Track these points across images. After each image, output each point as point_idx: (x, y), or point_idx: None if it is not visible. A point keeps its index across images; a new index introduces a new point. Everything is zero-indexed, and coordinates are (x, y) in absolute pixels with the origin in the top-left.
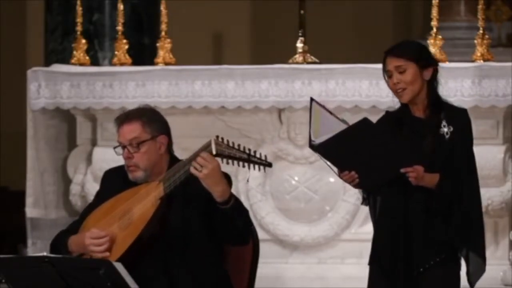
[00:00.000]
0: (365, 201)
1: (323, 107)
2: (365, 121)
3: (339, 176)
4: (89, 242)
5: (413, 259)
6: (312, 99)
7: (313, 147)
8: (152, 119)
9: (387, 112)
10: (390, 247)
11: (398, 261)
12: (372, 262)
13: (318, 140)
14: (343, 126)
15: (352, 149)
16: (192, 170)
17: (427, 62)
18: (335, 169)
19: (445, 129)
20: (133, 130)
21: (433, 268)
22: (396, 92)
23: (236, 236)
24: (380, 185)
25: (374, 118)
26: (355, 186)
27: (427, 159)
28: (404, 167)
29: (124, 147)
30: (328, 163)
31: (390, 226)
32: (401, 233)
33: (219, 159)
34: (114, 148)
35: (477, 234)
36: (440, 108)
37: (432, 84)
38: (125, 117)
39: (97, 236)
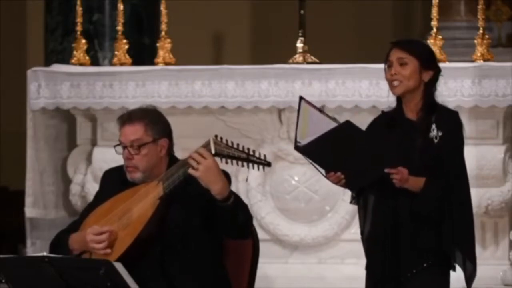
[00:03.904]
0: (354, 200)
1: (313, 105)
2: (347, 123)
3: (326, 177)
4: (90, 238)
5: (400, 264)
6: (301, 98)
7: (298, 148)
8: (155, 121)
9: (383, 112)
10: (378, 252)
11: (386, 266)
12: (366, 267)
13: (303, 142)
14: (333, 124)
15: (337, 150)
16: (190, 170)
17: (429, 64)
18: (322, 170)
19: (434, 133)
20: (135, 131)
21: (420, 274)
22: (391, 83)
23: (237, 230)
24: (366, 185)
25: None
26: (342, 186)
27: (414, 162)
28: (388, 168)
29: (125, 147)
30: (315, 164)
31: (380, 230)
32: (389, 238)
33: (218, 159)
34: (115, 146)
35: (469, 239)
36: (432, 111)
37: (429, 88)
38: (128, 117)
39: (98, 232)
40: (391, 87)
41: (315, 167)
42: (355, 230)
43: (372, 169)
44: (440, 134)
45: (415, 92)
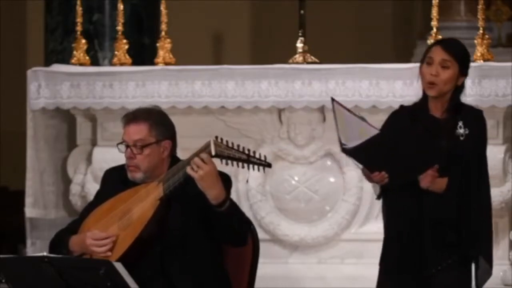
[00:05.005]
0: (380, 196)
1: (343, 106)
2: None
3: (370, 176)
4: (90, 242)
5: (423, 261)
6: (333, 99)
7: (345, 151)
8: (159, 123)
9: (402, 106)
10: (401, 248)
11: (408, 262)
12: (382, 261)
13: (350, 144)
14: (362, 124)
15: (383, 151)
16: (189, 171)
17: (466, 70)
18: (361, 166)
19: (461, 131)
20: (139, 131)
21: (444, 270)
22: (427, 83)
23: (231, 237)
24: (408, 181)
25: (374, 118)
26: (384, 184)
27: (439, 160)
28: (431, 166)
29: (127, 146)
30: (358, 164)
31: (401, 227)
32: (412, 235)
33: (218, 160)
34: (117, 144)
35: (487, 239)
36: (458, 110)
37: (459, 89)
38: (133, 117)
39: (99, 237)
40: (426, 86)
41: (356, 165)
42: (355, 230)
43: (416, 168)
44: (466, 132)
45: (447, 94)
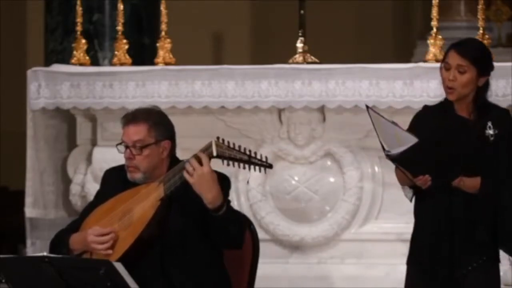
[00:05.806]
0: (412, 199)
1: (375, 111)
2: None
3: (412, 180)
4: (91, 239)
5: (455, 261)
6: (367, 107)
7: (390, 157)
8: (158, 123)
9: (426, 106)
10: (432, 249)
11: (439, 262)
12: (410, 262)
13: (393, 150)
14: (396, 129)
15: (426, 156)
16: (185, 174)
17: (487, 71)
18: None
19: (491, 131)
20: (138, 132)
21: (474, 270)
22: (446, 87)
23: (227, 241)
24: (449, 182)
25: None
26: (426, 187)
27: (471, 160)
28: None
29: (127, 147)
30: (403, 169)
31: (434, 227)
32: (444, 235)
33: (219, 160)
34: (117, 145)
35: None
36: (485, 110)
37: (483, 90)
38: (132, 117)
39: (100, 233)
40: (446, 91)
41: (400, 169)
42: (355, 230)
43: (457, 169)
44: (496, 132)
45: (469, 95)
